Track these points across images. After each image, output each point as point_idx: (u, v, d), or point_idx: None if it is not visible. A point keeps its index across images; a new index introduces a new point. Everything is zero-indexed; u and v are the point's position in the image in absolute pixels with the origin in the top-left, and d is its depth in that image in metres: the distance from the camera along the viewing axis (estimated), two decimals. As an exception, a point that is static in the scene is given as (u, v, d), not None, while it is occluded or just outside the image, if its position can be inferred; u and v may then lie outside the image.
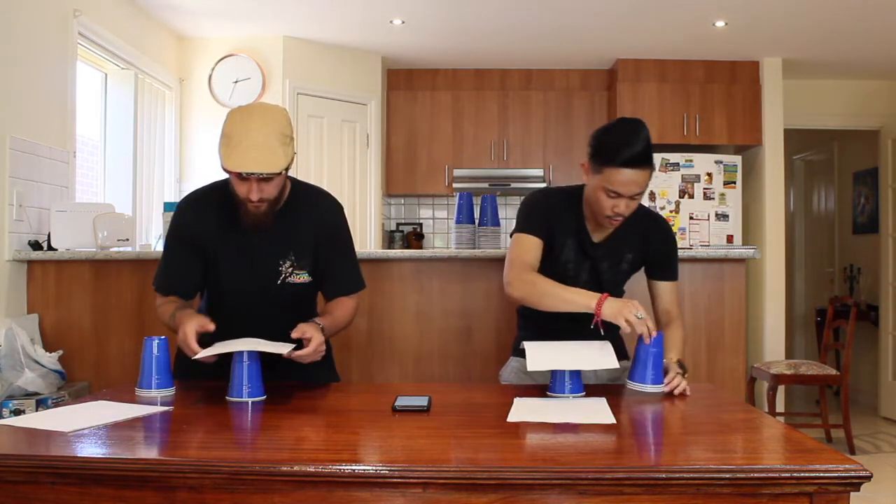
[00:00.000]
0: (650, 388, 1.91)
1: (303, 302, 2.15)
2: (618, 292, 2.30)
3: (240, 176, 1.90)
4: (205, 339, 1.97)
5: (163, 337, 1.96)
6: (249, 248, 2.06)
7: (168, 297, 2.10)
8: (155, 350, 1.92)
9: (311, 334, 1.91)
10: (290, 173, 2.07)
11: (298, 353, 1.90)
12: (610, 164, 1.98)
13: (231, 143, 1.87)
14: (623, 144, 1.97)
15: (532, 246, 2.15)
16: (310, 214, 2.11)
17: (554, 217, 2.18)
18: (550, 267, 2.20)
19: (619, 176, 1.98)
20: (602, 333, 1.95)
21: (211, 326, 1.89)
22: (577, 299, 1.99)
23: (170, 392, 1.92)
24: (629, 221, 2.14)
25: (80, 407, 1.77)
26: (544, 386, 1.94)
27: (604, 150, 2.01)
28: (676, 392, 1.91)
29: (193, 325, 1.88)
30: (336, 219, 2.17)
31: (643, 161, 1.98)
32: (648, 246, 2.22)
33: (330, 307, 2.14)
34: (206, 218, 2.08)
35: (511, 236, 2.23)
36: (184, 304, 2.07)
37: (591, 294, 1.98)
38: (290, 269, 2.09)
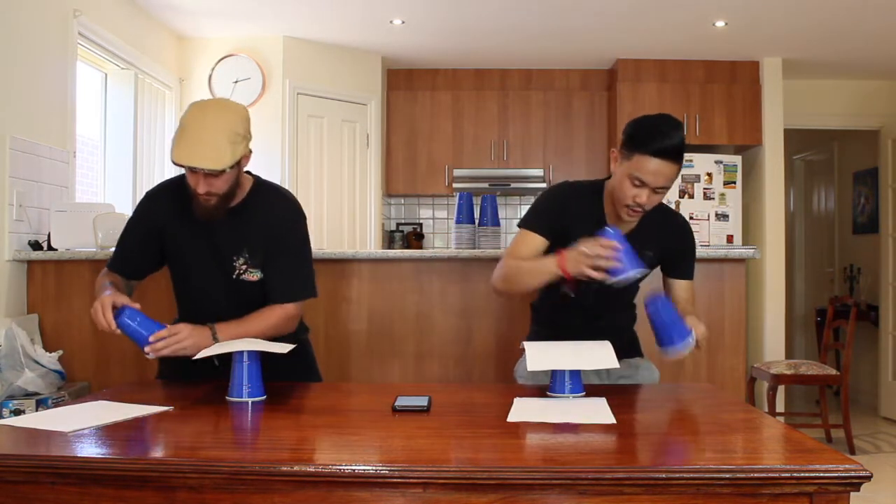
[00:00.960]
0: (681, 348, 1.91)
1: (258, 300, 2.11)
2: (633, 290, 2.30)
3: (186, 168, 1.94)
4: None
5: (182, 309, 2.03)
6: (204, 241, 2.08)
7: (114, 272, 2.14)
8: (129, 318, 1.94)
9: (178, 331, 1.92)
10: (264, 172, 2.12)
11: (150, 346, 1.90)
12: (642, 151, 1.97)
13: (182, 136, 1.90)
14: (659, 133, 1.96)
15: (529, 243, 2.13)
16: (265, 214, 2.10)
17: (568, 213, 2.15)
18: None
19: (649, 164, 1.96)
20: (597, 305, 1.94)
21: (125, 302, 1.91)
22: (544, 266, 1.99)
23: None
24: (650, 218, 2.13)
25: (80, 407, 1.77)
26: (544, 386, 1.94)
27: (639, 135, 2.00)
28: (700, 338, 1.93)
29: (111, 298, 1.89)
30: (289, 222, 2.13)
31: (675, 154, 1.97)
32: (668, 243, 2.21)
33: (253, 314, 2.07)
34: (169, 208, 2.11)
35: (518, 226, 2.22)
36: (119, 283, 2.09)
37: (550, 258, 1.97)
38: (243, 267, 2.09)
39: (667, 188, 2.02)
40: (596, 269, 1.87)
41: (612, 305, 2.23)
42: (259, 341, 1.88)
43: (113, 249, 2.20)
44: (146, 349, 1.90)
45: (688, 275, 2.27)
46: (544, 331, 2.26)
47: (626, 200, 2.04)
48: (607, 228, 1.87)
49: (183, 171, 2.04)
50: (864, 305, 6.11)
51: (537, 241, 2.13)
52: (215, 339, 1.95)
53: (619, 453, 1.46)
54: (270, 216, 2.10)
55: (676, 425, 1.73)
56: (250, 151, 2.01)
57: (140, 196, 4.65)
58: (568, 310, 2.17)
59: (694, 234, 2.30)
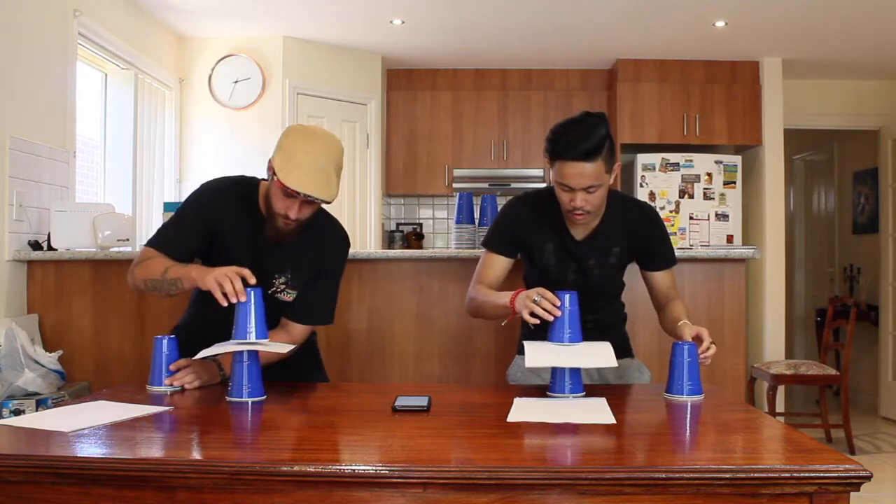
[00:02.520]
0: (687, 399, 1.86)
1: (277, 319, 2.14)
2: (614, 287, 2.30)
3: (288, 193, 1.92)
4: (187, 337, 2.02)
5: (172, 336, 1.98)
6: (254, 251, 2.08)
7: (162, 252, 2.05)
8: (165, 349, 1.95)
9: (186, 365, 1.95)
10: None
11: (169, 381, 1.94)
12: (557, 158, 2.01)
13: (293, 161, 1.89)
14: (571, 138, 1.98)
15: (493, 264, 2.22)
16: (320, 242, 2.13)
17: (525, 226, 2.20)
18: (535, 273, 2.23)
19: (567, 169, 1.99)
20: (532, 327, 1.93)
21: (248, 275, 1.86)
22: (499, 301, 2.03)
23: (179, 388, 1.94)
24: (613, 213, 2.15)
25: (80, 407, 1.77)
26: (544, 386, 1.94)
27: (552, 143, 2.03)
28: (704, 346, 1.92)
29: (234, 267, 1.85)
30: (338, 253, 2.18)
31: (588, 155, 1.97)
32: (635, 235, 2.20)
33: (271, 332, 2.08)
34: (229, 209, 2.09)
35: (481, 245, 2.28)
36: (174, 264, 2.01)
37: (507, 293, 2.01)
38: (282, 286, 2.11)
39: (598, 186, 2.02)
40: (532, 314, 1.88)
41: (593, 302, 2.18)
42: (259, 342, 1.88)
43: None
44: (168, 381, 1.94)
45: (665, 264, 2.25)
46: (532, 334, 2.25)
47: (565, 206, 2.08)
48: (564, 294, 1.88)
49: (243, 176, 2.11)
50: (864, 305, 6.11)
51: (500, 262, 2.22)
52: (223, 376, 2.00)
53: (619, 453, 1.46)
54: (327, 246, 2.14)
55: (676, 425, 1.73)
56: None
57: (140, 196, 4.66)
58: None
59: (659, 215, 2.28)
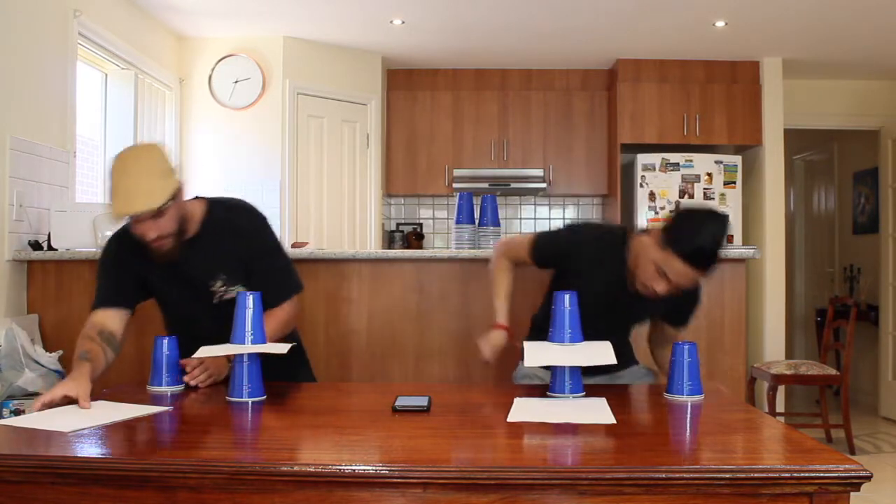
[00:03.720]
0: (687, 399, 1.86)
1: None
2: (632, 330, 2.36)
3: (132, 220, 1.93)
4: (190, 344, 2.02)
5: (172, 336, 1.99)
6: (179, 275, 2.08)
7: (102, 310, 2.05)
8: (165, 348, 1.95)
9: (198, 364, 1.98)
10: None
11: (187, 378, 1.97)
12: (673, 249, 1.95)
13: (113, 191, 1.91)
14: (695, 240, 1.94)
15: (521, 250, 2.31)
16: (231, 232, 2.11)
17: (584, 257, 2.19)
18: (570, 288, 2.15)
19: (677, 265, 1.95)
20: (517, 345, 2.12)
21: (82, 397, 1.76)
22: (496, 306, 2.30)
23: (179, 389, 1.95)
24: None
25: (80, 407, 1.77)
26: (544, 386, 1.94)
27: (676, 232, 1.97)
28: None
29: (62, 391, 1.77)
30: (257, 230, 2.17)
31: (705, 263, 1.95)
32: (679, 302, 2.20)
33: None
34: (135, 253, 2.07)
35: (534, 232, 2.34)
36: (94, 356, 1.95)
37: (501, 314, 2.25)
38: (222, 288, 2.10)
39: (688, 287, 2.04)
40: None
41: (613, 334, 2.18)
42: (259, 345, 1.88)
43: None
44: (185, 378, 1.99)
45: (684, 324, 2.31)
46: (543, 320, 2.27)
47: (644, 281, 2.04)
48: (564, 294, 1.93)
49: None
50: (864, 305, 6.11)
51: (527, 259, 2.30)
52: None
53: (619, 453, 1.46)
54: (237, 232, 2.12)
55: (676, 425, 1.73)
56: (182, 183, 2.00)
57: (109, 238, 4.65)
58: (584, 318, 2.18)
59: (702, 293, 2.28)
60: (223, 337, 1.94)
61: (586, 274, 2.18)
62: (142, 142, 2.05)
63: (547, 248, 2.28)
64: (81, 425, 1.56)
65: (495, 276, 2.33)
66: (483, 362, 2.22)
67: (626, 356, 2.29)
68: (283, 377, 2.13)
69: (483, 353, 2.20)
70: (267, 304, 2.09)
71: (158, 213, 1.92)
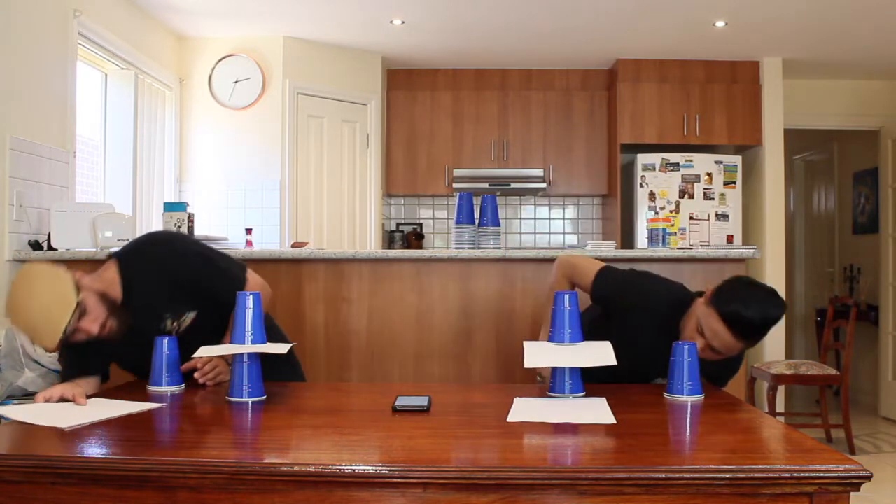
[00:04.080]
0: (687, 399, 1.86)
1: (210, 324, 2.12)
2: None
3: (68, 338, 1.86)
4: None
5: (172, 336, 1.99)
6: (133, 339, 2.02)
7: (79, 378, 2.02)
8: (165, 348, 1.95)
9: (208, 361, 1.99)
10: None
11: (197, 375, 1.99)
12: (717, 308, 1.93)
13: (32, 338, 1.86)
14: (743, 305, 1.90)
15: (589, 284, 2.24)
16: (150, 278, 2.05)
17: (637, 316, 2.14)
18: (608, 337, 2.06)
19: (717, 325, 1.93)
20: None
21: (79, 395, 1.80)
22: (543, 327, 2.26)
23: (180, 389, 1.95)
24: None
25: (103, 402, 1.78)
26: (544, 386, 1.94)
27: (724, 292, 1.95)
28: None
29: (67, 388, 1.81)
30: (176, 258, 2.08)
31: (745, 335, 1.92)
32: (716, 366, 2.12)
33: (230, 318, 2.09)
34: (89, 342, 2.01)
35: (604, 266, 2.26)
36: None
37: (546, 329, 2.17)
38: (175, 325, 2.08)
39: (722, 354, 1.98)
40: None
41: (633, 378, 2.19)
42: (259, 345, 1.87)
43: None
44: (196, 375, 2.01)
45: (718, 385, 2.19)
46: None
47: (684, 335, 2.03)
48: (564, 294, 1.91)
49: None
50: (864, 305, 6.11)
51: (587, 289, 2.24)
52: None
53: (619, 453, 1.46)
54: (155, 275, 2.05)
55: (676, 425, 1.73)
56: (73, 284, 1.87)
57: (140, 196, 4.67)
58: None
59: (742, 360, 2.23)
60: (192, 352, 1.95)
61: (637, 328, 2.12)
62: (20, 274, 1.93)
63: (608, 286, 2.21)
64: (78, 422, 1.56)
65: (555, 286, 2.25)
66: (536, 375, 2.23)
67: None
68: (272, 375, 2.13)
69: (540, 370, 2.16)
70: (231, 304, 2.03)
71: (81, 315, 1.85)
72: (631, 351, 2.04)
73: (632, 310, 2.15)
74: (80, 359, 2.05)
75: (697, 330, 1.98)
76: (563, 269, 2.33)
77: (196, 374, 2.00)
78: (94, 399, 1.81)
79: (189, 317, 2.09)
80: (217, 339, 2.07)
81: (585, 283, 2.25)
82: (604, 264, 2.27)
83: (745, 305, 1.90)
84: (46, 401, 1.79)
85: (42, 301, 1.81)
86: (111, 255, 2.10)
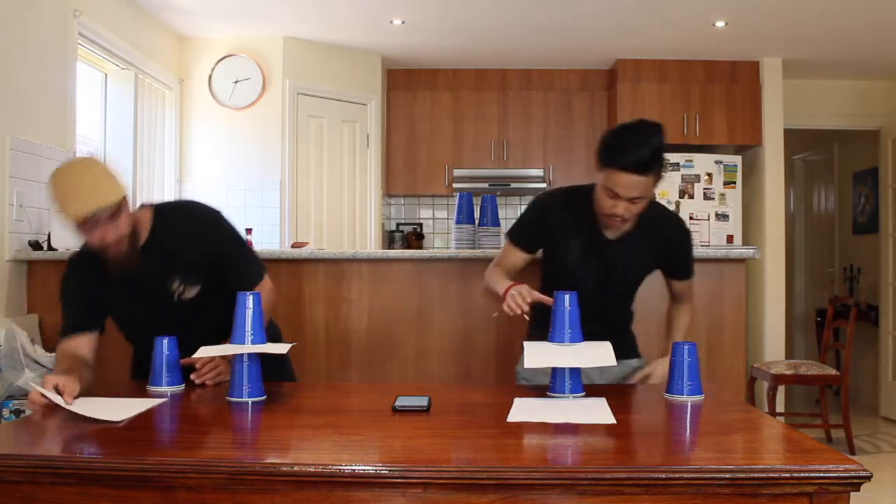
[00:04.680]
0: (687, 399, 1.85)
1: (204, 307, 2.14)
2: (630, 293, 2.32)
3: (84, 228, 1.91)
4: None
5: (172, 336, 1.98)
6: (138, 285, 2.07)
7: (72, 337, 2.06)
8: (165, 348, 1.95)
9: (208, 361, 1.98)
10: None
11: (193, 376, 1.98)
12: (610, 166, 2.00)
13: (57, 202, 1.90)
14: (626, 147, 1.97)
15: (511, 255, 2.28)
16: (181, 235, 2.10)
17: (553, 222, 2.20)
18: (555, 273, 2.23)
19: (620, 178, 1.98)
20: (527, 319, 2.03)
21: (69, 393, 1.74)
22: (498, 287, 2.14)
23: (180, 389, 1.95)
24: (647, 221, 2.15)
25: (109, 400, 1.78)
26: (544, 386, 1.94)
27: (607, 150, 2.02)
28: (636, 378, 2.07)
29: (54, 381, 1.75)
30: (210, 229, 2.14)
31: (644, 168, 1.97)
32: (667, 249, 2.22)
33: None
34: (91, 273, 2.08)
35: (505, 235, 2.33)
36: (73, 365, 1.96)
37: (506, 283, 2.10)
38: (181, 289, 2.10)
39: (644, 198, 2.03)
40: (512, 309, 2.00)
41: (611, 305, 2.26)
42: (259, 344, 1.87)
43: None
44: (192, 376, 2.00)
45: (687, 275, 2.30)
46: (541, 328, 2.26)
47: (605, 211, 2.08)
48: (564, 294, 1.90)
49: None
50: (864, 305, 6.11)
51: (518, 255, 2.27)
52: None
53: (619, 453, 1.46)
54: (188, 233, 2.10)
55: (676, 425, 1.73)
56: (126, 191, 1.98)
57: (140, 196, 4.68)
58: None
59: (691, 233, 2.31)
60: (186, 333, 1.98)
61: (562, 237, 2.19)
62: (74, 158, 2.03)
63: (520, 228, 2.27)
64: (126, 415, 1.58)
65: (490, 277, 2.26)
66: (509, 316, 2.04)
67: (625, 347, 2.26)
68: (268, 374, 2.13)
69: (511, 308, 2.01)
70: (234, 293, 2.08)
71: (114, 214, 1.91)
72: (575, 258, 2.18)
73: (551, 226, 2.21)
74: (79, 312, 2.08)
75: (610, 196, 2.03)
76: (488, 269, 2.30)
77: (192, 375, 2.00)
78: (103, 399, 1.81)
79: (194, 290, 2.10)
80: (207, 323, 2.09)
81: (508, 251, 2.28)
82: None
83: (633, 147, 1.96)
84: (40, 397, 1.73)
85: (95, 173, 1.91)
86: (143, 205, 2.11)
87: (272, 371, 2.23)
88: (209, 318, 2.12)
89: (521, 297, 2.00)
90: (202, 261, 2.10)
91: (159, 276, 2.08)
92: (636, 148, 1.96)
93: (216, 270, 2.12)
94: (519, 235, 2.26)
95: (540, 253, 2.31)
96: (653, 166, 1.98)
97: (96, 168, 1.94)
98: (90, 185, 1.90)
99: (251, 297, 1.86)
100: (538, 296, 2.02)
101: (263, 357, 1.90)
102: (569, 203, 2.22)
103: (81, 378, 1.87)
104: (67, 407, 1.67)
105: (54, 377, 1.78)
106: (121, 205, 1.93)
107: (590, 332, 1.95)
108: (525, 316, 2.00)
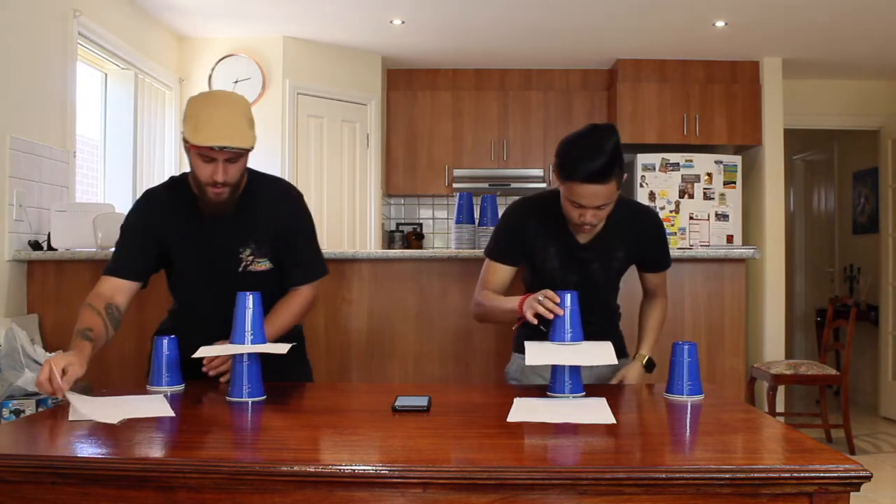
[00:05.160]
0: (687, 399, 1.86)
1: (265, 290, 2.11)
2: (613, 291, 2.31)
3: (206, 157, 1.93)
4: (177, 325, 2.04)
5: (172, 336, 1.98)
6: (208, 238, 2.07)
7: (115, 277, 2.05)
8: (165, 349, 1.95)
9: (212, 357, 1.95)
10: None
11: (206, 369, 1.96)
12: (570, 179, 1.99)
13: (200, 121, 1.90)
14: (582, 159, 1.95)
15: (495, 271, 2.23)
16: (268, 202, 2.12)
17: (526, 232, 2.20)
18: (537, 278, 2.23)
19: (581, 190, 1.98)
20: (543, 329, 1.94)
21: (72, 375, 1.72)
22: (507, 305, 2.06)
23: (180, 389, 1.95)
24: (620, 217, 2.16)
25: (107, 400, 1.78)
26: (544, 386, 1.94)
27: (565, 164, 2.00)
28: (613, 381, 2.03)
29: (62, 362, 1.71)
30: (296, 206, 2.18)
31: (603, 176, 1.95)
32: (640, 240, 2.22)
33: (279, 303, 2.13)
34: (164, 211, 2.09)
35: (484, 255, 2.30)
36: (97, 335, 1.92)
37: (515, 298, 2.02)
38: (250, 258, 2.10)
39: (610, 203, 2.03)
40: (537, 314, 1.89)
41: (595, 306, 2.22)
42: (259, 344, 1.87)
43: (113, 249, 2.17)
44: (204, 369, 1.98)
45: (663, 266, 2.30)
46: (529, 330, 2.26)
47: (573, 220, 2.08)
48: (565, 293, 1.88)
49: (173, 176, 2.10)
50: (864, 305, 6.11)
51: (503, 270, 2.23)
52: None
53: (619, 453, 1.46)
54: (278, 203, 2.13)
55: (676, 425, 1.73)
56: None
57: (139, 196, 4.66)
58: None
59: (663, 222, 2.31)
60: (228, 314, 1.89)
61: (539, 244, 2.19)
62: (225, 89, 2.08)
63: (498, 244, 2.24)
64: (124, 416, 1.58)
65: (486, 301, 2.19)
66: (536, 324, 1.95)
67: (616, 335, 2.28)
68: (282, 375, 2.13)
69: (545, 304, 1.90)
70: (293, 280, 2.14)
71: (238, 158, 1.94)
72: (555, 264, 2.17)
73: (528, 236, 2.19)
74: (135, 250, 2.07)
75: (575, 207, 2.03)
76: (475, 295, 2.25)
77: (204, 368, 1.98)
78: (108, 398, 1.81)
79: (261, 264, 2.10)
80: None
81: (491, 270, 2.23)
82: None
83: (588, 158, 1.94)
84: (49, 380, 1.70)
85: (248, 115, 1.96)
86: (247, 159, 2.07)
87: (292, 371, 2.23)
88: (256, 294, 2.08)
89: (550, 301, 1.87)
90: (277, 233, 2.11)
91: (236, 238, 2.08)
92: (592, 158, 1.94)
93: (285, 248, 2.12)
94: (499, 251, 2.24)
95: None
96: (612, 172, 1.96)
97: (249, 110, 1.98)
98: (245, 122, 1.94)
99: (251, 298, 1.85)
100: (553, 296, 1.92)
101: (282, 357, 1.90)
102: (539, 210, 2.21)
103: (95, 347, 1.89)
104: (70, 398, 1.66)
105: (62, 358, 1.75)
106: (248, 152, 1.97)
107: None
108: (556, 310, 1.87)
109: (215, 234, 2.07)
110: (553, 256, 2.19)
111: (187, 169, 2.08)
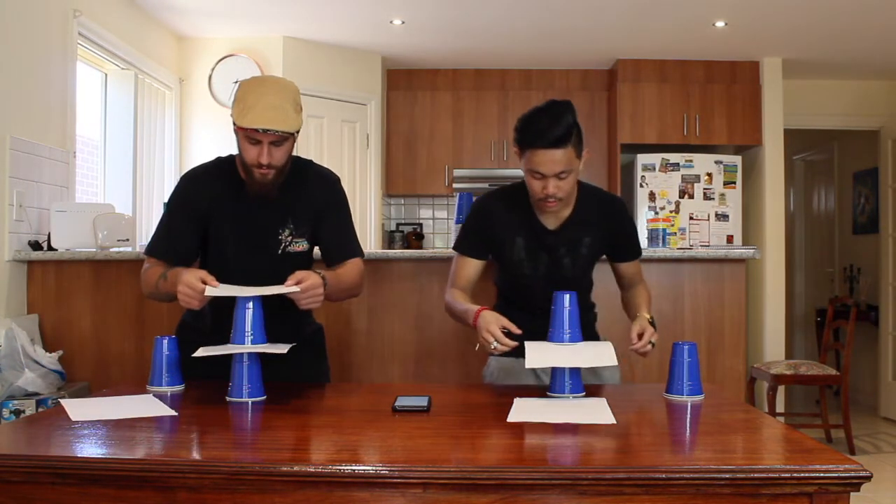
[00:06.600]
0: (687, 399, 1.86)
1: (297, 261, 2.15)
2: (585, 282, 2.30)
3: (252, 139, 1.97)
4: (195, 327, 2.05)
5: (172, 336, 1.98)
6: (250, 218, 2.09)
7: (160, 260, 2.08)
8: (165, 349, 1.95)
9: (305, 276, 1.89)
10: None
11: (293, 294, 1.88)
12: (528, 147, 2.06)
13: (247, 105, 1.95)
14: (539, 126, 2.04)
15: (464, 267, 2.26)
16: (309, 184, 2.15)
17: (493, 223, 2.22)
18: (508, 270, 2.25)
19: (539, 157, 2.03)
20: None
21: (214, 281, 1.86)
22: (465, 317, 2.09)
23: (180, 389, 1.95)
24: (584, 203, 2.18)
25: (110, 400, 1.78)
26: (544, 386, 1.94)
27: (521, 133, 2.09)
28: (641, 344, 1.97)
29: (198, 273, 1.86)
30: (334, 188, 2.21)
31: (561, 141, 2.02)
32: (607, 227, 2.22)
33: (336, 269, 2.15)
34: (207, 190, 2.11)
35: (453, 248, 2.33)
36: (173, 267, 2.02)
37: (473, 308, 2.05)
38: (289, 238, 2.11)
39: (569, 172, 2.06)
40: (487, 341, 1.91)
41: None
42: (259, 344, 1.87)
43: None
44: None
45: (633, 256, 2.30)
46: (504, 305, 2.27)
47: (536, 195, 2.10)
48: (564, 294, 1.89)
49: (219, 157, 2.17)
50: (864, 305, 6.11)
51: (471, 264, 2.26)
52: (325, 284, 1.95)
53: (619, 453, 1.46)
54: (318, 185, 2.16)
55: (676, 425, 1.73)
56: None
57: (140, 196, 4.66)
58: (526, 290, 2.23)
59: (629, 210, 2.33)
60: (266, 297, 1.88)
61: (506, 235, 2.20)
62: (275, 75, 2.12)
63: (466, 237, 2.27)
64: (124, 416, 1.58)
65: (452, 304, 2.22)
66: (490, 351, 1.95)
67: (590, 333, 2.26)
68: (303, 374, 2.14)
69: (489, 342, 1.92)
70: (344, 253, 2.17)
71: (283, 141, 1.98)
72: (522, 255, 2.18)
73: (495, 228, 2.22)
74: (175, 232, 2.10)
75: (537, 179, 2.06)
76: (446, 294, 2.28)
77: (302, 304, 1.92)
78: (107, 398, 1.81)
79: (300, 244, 2.12)
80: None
81: (460, 265, 2.26)
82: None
83: (546, 126, 2.04)
84: (194, 290, 1.82)
85: (298, 100, 2.01)
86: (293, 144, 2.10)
87: (312, 369, 2.23)
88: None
89: (495, 331, 1.90)
90: (317, 213, 2.13)
91: (276, 218, 2.10)
92: (549, 126, 2.03)
93: (327, 227, 2.15)
94: (467, 245, 2.26)
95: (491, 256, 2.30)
96: (569, 138, 2.04)
97: (297, 95, 2.02)
98: (291, 106, 1.98)
99: (251, 299, 1.85)
100: (506, 322, 1.94)
101: (301, 356, 1.90)
102: (505, 200, 2.24)
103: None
104: (65, 403, 1.67)
105: (189, 273, 1.84)
106: (294, 135, 2.00)
107: (547, 308, 1.93)
108: (505, 347, 1.90)
109: (257, 213, 2.09)
110: (521, 247, 2.20)
111: (187, 168, 2.08)
